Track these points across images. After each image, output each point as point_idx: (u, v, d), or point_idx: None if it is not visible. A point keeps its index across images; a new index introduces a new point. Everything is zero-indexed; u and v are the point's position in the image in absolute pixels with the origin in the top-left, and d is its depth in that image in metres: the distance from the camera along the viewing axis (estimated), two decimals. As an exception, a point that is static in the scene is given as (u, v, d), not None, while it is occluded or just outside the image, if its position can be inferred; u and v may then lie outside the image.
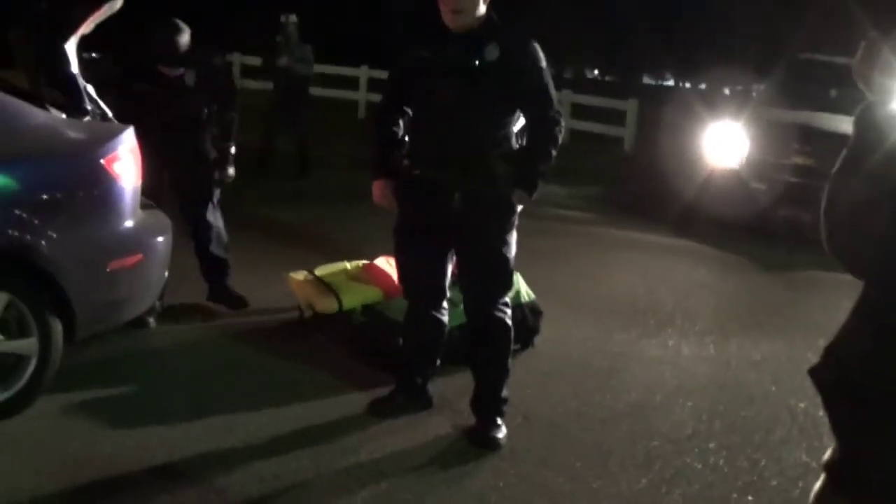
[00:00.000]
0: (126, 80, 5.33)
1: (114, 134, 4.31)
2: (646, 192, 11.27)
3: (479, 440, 4.18)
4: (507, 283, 4.24)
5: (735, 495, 3.95)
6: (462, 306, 4.48)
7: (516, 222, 4.15)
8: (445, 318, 4.40)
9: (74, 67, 4.42)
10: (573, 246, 8.53)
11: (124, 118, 4.59)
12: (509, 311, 4.29)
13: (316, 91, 14.18)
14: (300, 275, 5.46)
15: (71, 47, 4.42)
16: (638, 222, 9.91)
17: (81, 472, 3.63)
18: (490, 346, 4.26)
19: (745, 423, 4.73)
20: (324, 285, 5.31)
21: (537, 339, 5.51)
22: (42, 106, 4.22)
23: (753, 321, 6.52)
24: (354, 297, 5.28)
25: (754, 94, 10.90)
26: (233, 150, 5.57)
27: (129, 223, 4.30)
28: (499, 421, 4.26)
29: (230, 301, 5.67)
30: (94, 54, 4.86)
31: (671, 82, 55.27)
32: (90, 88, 4.49)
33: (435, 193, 4.04)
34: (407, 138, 4.27)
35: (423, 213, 4.13)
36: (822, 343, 6.49)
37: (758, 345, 5.98)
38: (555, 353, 5.47)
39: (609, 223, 9.87)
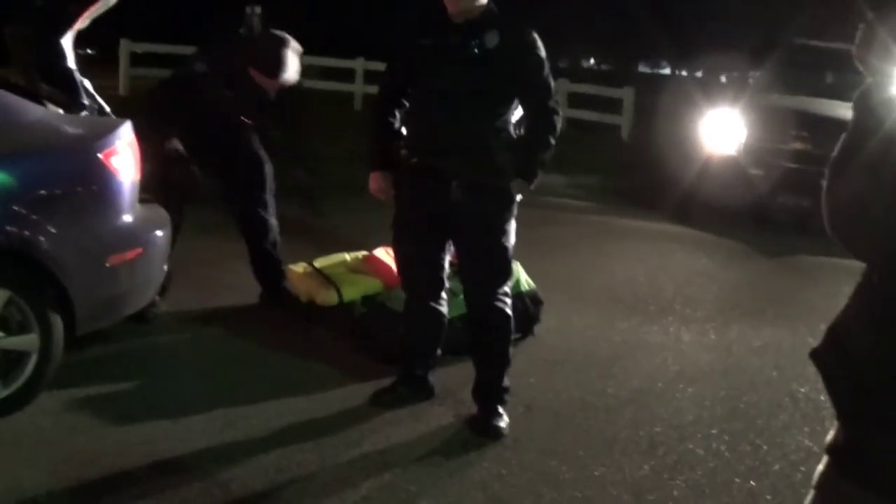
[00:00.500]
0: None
1: (111, 128, 4.30)
2: (643, 180, 11.28)
3: (481, 429, 4.18)
4: (507, 273, 4.24)
5: (738, 480, 3.96)
6: (461, 296, 4.49)
7: (515, 212, 4.15)
8: (445, 309, 4.39)
9: (71, 62, 4.41)
10: (572, 235, 8.52)
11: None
12: (509, 301, 4.28)
13: (311, 83, 14.16)
14: (300, 267, 5.45)
15: (67, 42, 4.42)
16: (636, 210, 9.91)
17: (86, 468, 3.62)
18: (491, 336, 4.26)
19: (748, 408, 4.73)
20: (324, 277, 5.30)
21: (538, 328, 5.51)
22: (39, 102, 4.21)
23: (754, 308, 6.52)
24: (355, 289, 5.28)
25: (751, 80, 10.88)
26: None
27: (127, 217, 4.29)
28: (501, 410, 4.26)
29: (286, 304, 5.58)
30: (88, 50, 4.82)
31: (667, 70, 55.21)
32: (87, 83, 4.47)
33: (433, 183, 4.03)
34: (404, 129, 4.26)
35: (421, 204, 4.12)
36: (824, 328, 6.52)
37: (758, 331, 5.98)
38: (556, 341, 5.47)
39: (607, 211, 9.87)
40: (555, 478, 3.85)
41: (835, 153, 1.92)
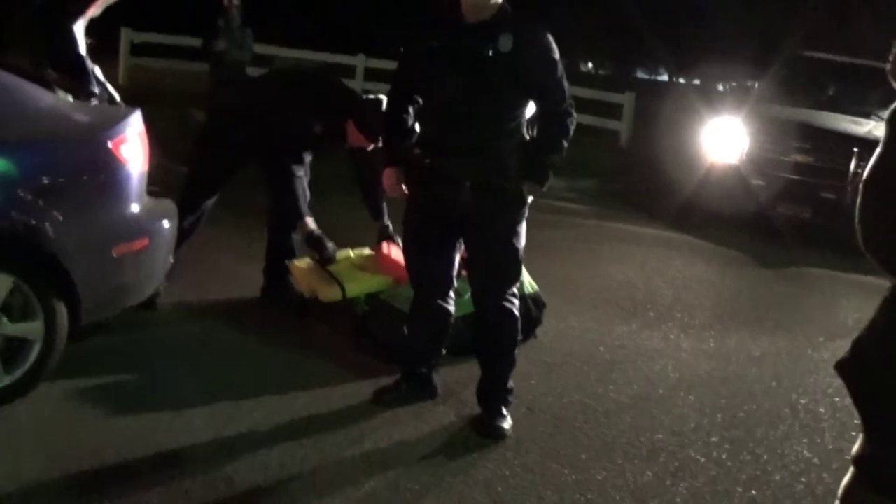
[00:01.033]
0: None
1: (121, 117, 4.27)
2: (643, 186, 11.29)
3: (485, 430, 4.18)
4: (516, 274, 4.23)
5: (739, 489, 3.96)
6: (467, 296, 4.48)
7: (527, 213, 4.14)
8: (452, 308, 4.38)
9: (83, 49, 4.39)
10: (571, 238, 8.52)
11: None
12: (517, 302, 4.28)
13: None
14: (303, 263, 5.44)
15: (79, 29, 4.39)
16: (635, 215, 9.91)
17: (88, 460, 3.60)
18: (498, 337, 4.25)
19: (747, 417, 4.74)
20: (327, 274, 5.29)
21: (539, 331, 5.51)
22: (49, 88, 4.19)
23: (752, 316, 6.53)
24: (358, 286, 5.27)
25: (754, 90, 10.91)
26: None
27: (135, 207, 4.26)
28: (504, 411, 4.26)
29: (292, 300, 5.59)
30: (87, 39, 4.81)
31: (665, 77, 55.29)
32: (97, 71, 4.45)
33: (445, 183, 4.02)
34: (417, 127, 4.25)
35: (433, 203, 4.11)
36: (822, 339, 6.53)
37: (757, 340, 5.99)
38: (557, 345, 5.47)
39: (606, 216, 9.87)
40: (557, 480, 3.85)
41: (868, 170, 1.92)
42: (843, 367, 2.06)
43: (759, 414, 4.80)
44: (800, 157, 9.03)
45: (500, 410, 4.26)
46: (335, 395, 4.44)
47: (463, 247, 4.26)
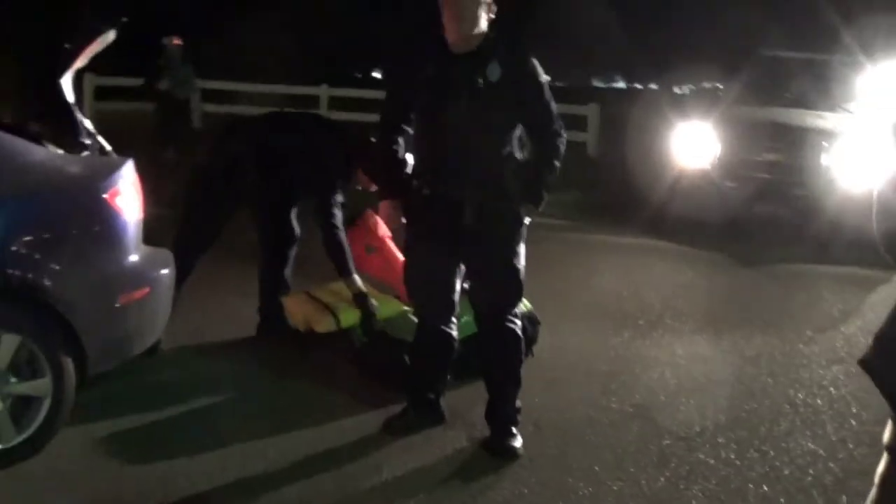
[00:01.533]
0: None
1: (114, 168, 4.30)
2: (617, 196, 11.39)
3: (497, 450, 4.23)
4: (519, 294, 4.30)
5: (751, 486, 4.04)
6: (464, 319, 4.55)
7: (525, 234, 4.22)
8: (455, 332, 4.44)
9: (71, 101, 4.42)
10: (553, 252, 8.57)
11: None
12: (519, 322, 4.35)
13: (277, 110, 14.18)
14: (297, 296, 5.48)
15: (67, 82, 4.42)
16: (614, 225, 10.01)
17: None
18: (503, 358, 4.32)
19: (749, 416, 4.83)
20: (321, 305, 5.33)
21: (535, 348, 5.57)
22: (39, 142, 4.21)
23: (741, 317, 6.64)
24: (352, 315, 5.31)
25: (717, 92, 11.06)
26: None
27: (134, 257, 4.28)
28: (514, 430, 4.32)
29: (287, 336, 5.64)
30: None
31: (622, 84, 55.78)
32: (87, 122, 4.48)
33: (447, 211, 4.09)
34: (410, 157, 4.32)
35: (434, 230, 4.17)
36: (811, 334, 6.63)
37: (749, 340, 6.09)
38: (555, 360, 5.53)
39: (585, 228, 9.97)
40: (575, 494, 3.91)
41: (885, 181, 2.02)
42: (868, 363, 2.14)
43: (760, 412, 4.89)
44: (770, 157, 9.18)
45: (510, 430, 4.31)
46: (345, 427, 4.48)
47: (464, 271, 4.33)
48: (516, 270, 4.20)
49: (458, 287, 4.33)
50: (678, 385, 5.26)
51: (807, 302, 7.13)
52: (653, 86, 45.71)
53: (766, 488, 4.04)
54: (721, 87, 11.43)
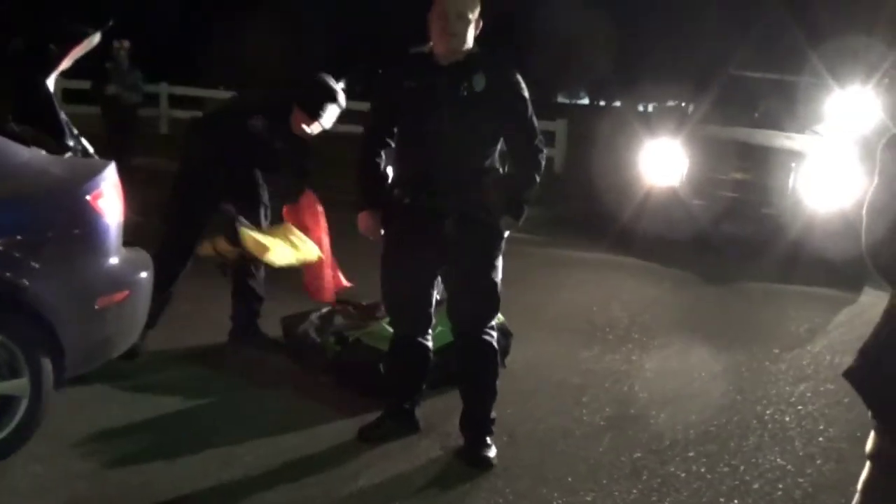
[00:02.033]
0: None
1: (97, 170, 4.30)
2: (584, 212, 11.49)
3: (473, 460, 4.27)
4: (496, 307, 4.35)
5: (722, 500, 4.12)
6: (438, 330, 4.59)
7: (503, 247, 4.27)
8: (431, 343, 4.49)
9: (56, 104, 4.42)
10: (523, 267, 8.61)
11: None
12: (496, 335, 4.40)
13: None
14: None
15: (51, 83, 4.42)
16: (581, 241, 10.12)
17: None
18: (479, 369, 4.36)
19: (719, 431, 4.91)
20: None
21: (507, 360, 5.62)
22: (24, 143, 4.20)
23: (709, 334, 6.73)
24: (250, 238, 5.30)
25: (685, 111, 11.21)
26: None
27: (114, 260, 4.29)
28: (489, 440, 4.36)
29: (260, 343, 5.66)
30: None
31: (586, 101, 56.23)
32: (70, 124, 4.48)
33: (427, 222, 4.14)
34: (390, 168, 4.35)
35: (413, 241, 4.21)
36: (777, 351, 6.73)
37: (717, 357, 6.19)
38: (527, 372, 5.58)
39: (554, 243, 10.02)
40: (550, 505, 3.96)
41: (869, 195, 2.09)
42: (852, 375, 2.21)
43: (729, 427, 4.97)
44: (739, 176, 9.31)
45: (485, 440, 4.35)
46: (321, 434, 4.50)
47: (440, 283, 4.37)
48: (494, 284, 4.25)
49: (434, 299, 4.37)
50: (648, 399, 5.34)
51: (773, 320, 7.25)
52: (617, 103, 46.13)
53: (736, 502, 4.11)
54: (685, 105, 11.57)
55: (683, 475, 4.34)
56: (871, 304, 7.63)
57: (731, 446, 4.71)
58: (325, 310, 5.74)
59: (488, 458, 4.28)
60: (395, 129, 4.27)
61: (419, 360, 4.47)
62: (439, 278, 4.38)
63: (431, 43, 4.12)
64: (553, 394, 5.31)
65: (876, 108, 9.35)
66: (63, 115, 4.43)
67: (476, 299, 4.27)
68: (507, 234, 4.25)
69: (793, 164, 9.06)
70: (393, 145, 4.31)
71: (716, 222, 9.17)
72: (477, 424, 4.38)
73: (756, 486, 4.28)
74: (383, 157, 4.34)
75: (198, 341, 5.68)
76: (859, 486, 2.20)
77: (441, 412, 4.73)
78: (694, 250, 9.23)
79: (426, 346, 4.46)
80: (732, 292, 8.16)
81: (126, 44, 11.64)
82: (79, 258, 4.18)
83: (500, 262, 4.28)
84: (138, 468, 4.00)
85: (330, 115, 5.41)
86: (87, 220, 4.20)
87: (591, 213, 11.19)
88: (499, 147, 4.22)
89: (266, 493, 3.85)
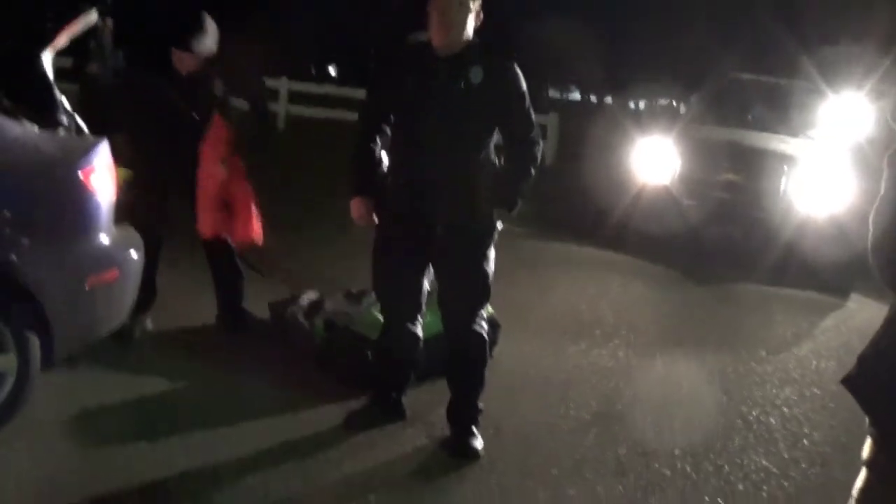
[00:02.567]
0: None
1: (90, 147, 4.25)
2: (574, 208, 11.47)
3: (458, 450, 4.27)
4: (486, 297, 4.34)
5: (707, 499, 4.13)
6: (429, 318, 4.57)
7: (496, 238, 4.26)
8: (420, 332, 4.47)
9: (51, 79, 4.38)
10: (512, 261, 8.55)
11: None
12: (486, 326, 4.39)
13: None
14: None
15: (47, 59, 4.37)
16: (571, 237, 10.09)
17: (68, 494, 3.58)
18: (469, 359, 4.36)
19: (704, 431, 4.90)
20: None
21: (495, 352, 5.60)
22: (16, 118, 4.15)
23: (696, 335, 6.74)
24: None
25: (681, 110, 11.23)
26: None
27: (105, 238, 4.25)
28: (475, 431, 4.36)
29: (247, 324, 5.66)
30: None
31: (577, 96, 56.30)
32: (64, 101, 4.44)
33: (419, 212, 4.12)
34: (385, 158, 4.33)
35: (405, 232, 4.20)
36: (764, 353, 6.74)
37: (703, 357, 6.19)
38: (514, 366, 5.57)
39: (544, 237, 10.01)
40: (534, 498, 3.96)
41: (877, 204, 2.08)
42: (851, 382, 2.20)
43: (714, 427, 4.98)
44: (731, 177, 9.29)
45: (472, 430, 4.35)
46: (306, 420, 4.48)
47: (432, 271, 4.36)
48: (486, 275, 4.24)
49: (425, 288, 4.36)
50: (634, 396, 5.34)
51: (761, 323, 7.27)
52: (608, 99, 46.13)
53: (721, 501, 4.12)
54: (677, 103, 11.58)
55: (668, 473, 4.34)
56: (857, 309, 7.68)
57: (716, 446, 4.71)
58: (314, 295, 5.72)
59: (475, 448, 4.28)
60: (392, 118, 4.24)
61: (409, 348, 4.46)
62: (430, 267, 4.36)
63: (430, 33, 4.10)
64: (540, 389, 5.30)
65: (871, 114, 9.36)
66: (58, 92, 4.39)
67: (468, 290, 4.26)
68: (500, 225, 4.24)
69: (784, 168, 9.06)
70: (389, 133, 4.28)
71: (706, 223, 9.15)
72: (465, 414, 4.37)
73: (741, 487, 4.29)
74: (379, 143, 4.31)
75: (177, 323, 5.65)
76: (854, 492, 2.19)
77: (427, 402, 4.72)
78: (684, 250, 9.19)
79: (416, 335, 4.44)
80: (721, 293, 8.17)
81: (110, 22, 11.57)
82: (70, 235, 4.13)
83: (492, 253, 4.27)
84: (121, 450, 3.97)
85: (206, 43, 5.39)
86: (78, 197, 4.15)
87: (581, 209, 11.16)
88: (494, 139, 4.21)
89: (248, 478, 3.83)
